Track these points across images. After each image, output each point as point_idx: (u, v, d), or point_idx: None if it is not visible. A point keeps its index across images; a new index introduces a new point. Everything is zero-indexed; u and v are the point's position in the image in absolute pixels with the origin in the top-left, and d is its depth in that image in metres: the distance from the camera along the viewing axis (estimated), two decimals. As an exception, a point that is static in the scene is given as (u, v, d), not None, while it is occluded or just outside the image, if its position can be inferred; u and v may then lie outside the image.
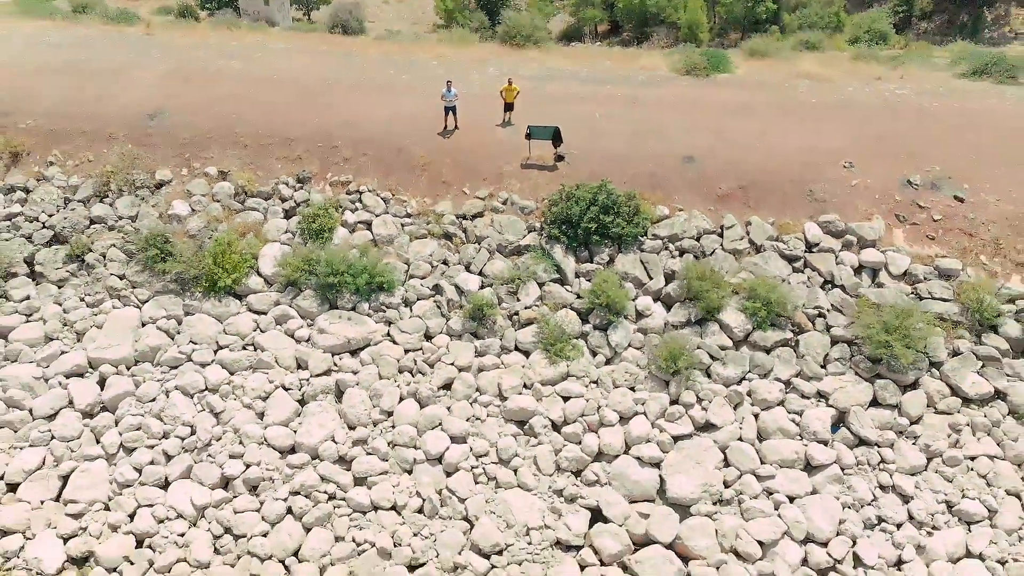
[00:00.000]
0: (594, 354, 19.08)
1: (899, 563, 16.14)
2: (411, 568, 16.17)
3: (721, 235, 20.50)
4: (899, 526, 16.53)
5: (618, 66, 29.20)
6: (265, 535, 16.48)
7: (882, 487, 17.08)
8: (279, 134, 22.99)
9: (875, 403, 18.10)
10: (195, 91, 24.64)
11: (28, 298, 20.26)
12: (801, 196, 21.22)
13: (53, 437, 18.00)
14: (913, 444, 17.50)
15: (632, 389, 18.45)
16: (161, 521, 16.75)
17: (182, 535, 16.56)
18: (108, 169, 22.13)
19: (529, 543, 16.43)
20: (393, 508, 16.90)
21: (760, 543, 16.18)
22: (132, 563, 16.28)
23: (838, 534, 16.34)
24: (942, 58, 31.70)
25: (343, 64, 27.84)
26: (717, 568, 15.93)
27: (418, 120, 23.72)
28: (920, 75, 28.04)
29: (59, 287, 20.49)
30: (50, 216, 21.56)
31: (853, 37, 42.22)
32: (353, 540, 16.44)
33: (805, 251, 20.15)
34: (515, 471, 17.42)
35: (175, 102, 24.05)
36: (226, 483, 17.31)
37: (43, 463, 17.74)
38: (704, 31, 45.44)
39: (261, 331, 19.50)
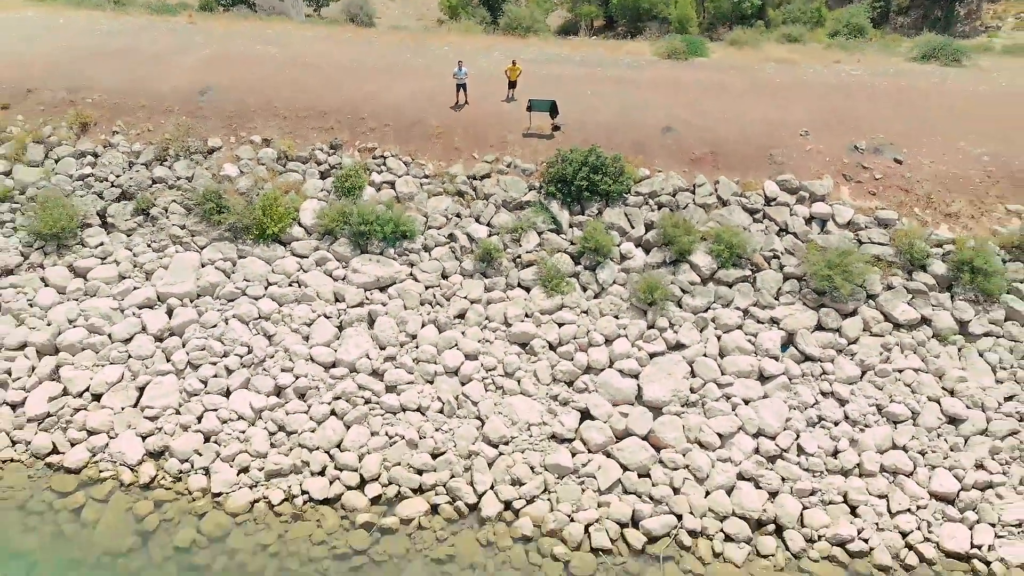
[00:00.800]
0: (584, 289, 22.44)
1: (835, 453, 19.50)
2: (434, 455, 19.53)
3: (693, 192, 23.82)
4: (836, 423, 19.87)
5: (608, 52, 32.56)
6: (313, 431, 19.83)
7: (823, 393, 20.44)
8: (313, 108, 26.32)
9: (819, 327, 21.47)
10: (237, 72, 27.97)
11: (102, 244, 23.59)
12: (763, 159, 24.55)
13: (130, 356, 21.34)
14: (850, 360, 20.85)
15: (616, 317, 21.80)
16: (225, 422, 20.08)
17: (243, 432, 19.91)
18: (166, 137, 25.46)
19: (530, 436, 19.78)
20: (418, 410, 20.27)
21: (719, 435, 19.53)
22: (201, 455, 19.63)
23: (784, 429, 19.71)
24: (908, 48, 35.07)
25: (364, 49, 31.16)
26: (683, 455, 19.28)
27: (433, 96, 27.04)
28: (875, 59, 31.41)
29: (128, 235, 23.82)
30: (117, 176, 24.88)
31: (833, 31, 45.32)
32: (386, 434, 19.79)
33: (764, 205, 23.47)
34: (518, 381, 20.77)
35: (221, 81, 27.37)
36: (279, 391, 20.64)
37: (122, 377, 21.06)
38: (694, 26, 48.59)
39: (304, 271, 22.85)
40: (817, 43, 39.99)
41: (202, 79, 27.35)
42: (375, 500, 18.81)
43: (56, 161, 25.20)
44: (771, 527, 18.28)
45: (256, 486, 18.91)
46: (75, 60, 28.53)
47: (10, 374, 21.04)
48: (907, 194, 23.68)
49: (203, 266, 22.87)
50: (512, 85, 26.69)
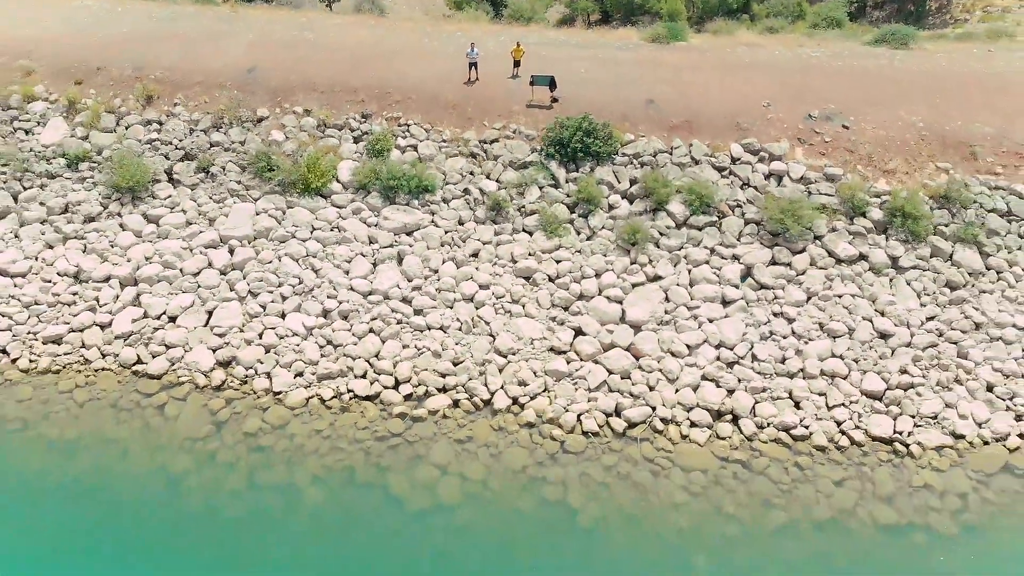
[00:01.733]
0: (578, 233, 26.38)
1: (783, 360, 23.46)
2: (454, 363, 23.48)
3: (671, 153, 27.75)
4: (784, 337, 23.83)
5: (600, 37, 36.51)
6: (355, 344, 23.76)
7: (774, 314, 24.41)
8: (346, 84, 30.24)
9: (773, 262, 25.44)
10: (279, 54, 31.89)
11: (170, 196, 27.52)
12: (730, 126, 28.47)
13: (199, 287, 25.28)
14: (798, 287, 24.83)
15: (604, 255, 25.75)
16: (282, 337, 24.00)
17: (298, 345, 23.84)
18: (220, 108, 29.37)
19: (533, 348, 23.73)
20: (441, 328, 24.20)
21: (687, 346, 23.53)
22: (263, 363, 23.56)
23: (741, 341, 23.68)
24: (865, 35, 38.92)
25: (387, 35, 35.04)
26: (658, 361, 23.25)
27: (449, 74, 30.95)
28: (835, 44, 35.35)
29: (192, 189, 27.77)
30: (180, 141, 28.79)
31: (812, 24, 49.00)
32: (415, 347, 23.72)
33: (730, 163, 27.42)
34: (523, 306, 24.73)
35: (265, 61, 31.29)
36: (325, 314, 24.56)
37: (193, 303, 24.98)
38: (683, 19, 52.35)
39: (342, 219, 26.77)
40: (796, 34, 43.98)
41: (249, 59, 31.30)
42: (407, 397, 22.78)
43: (126, 128, 29.17)
44: (728, 416, 22.25)
45: (310, 386, 22.86)
46: (137, 43, 32.44)
47: (98, 301, 24.99)
48: (852, 154, 27.61)
49: (257, 214, 26.83)
50: (516, 64, 30.63)
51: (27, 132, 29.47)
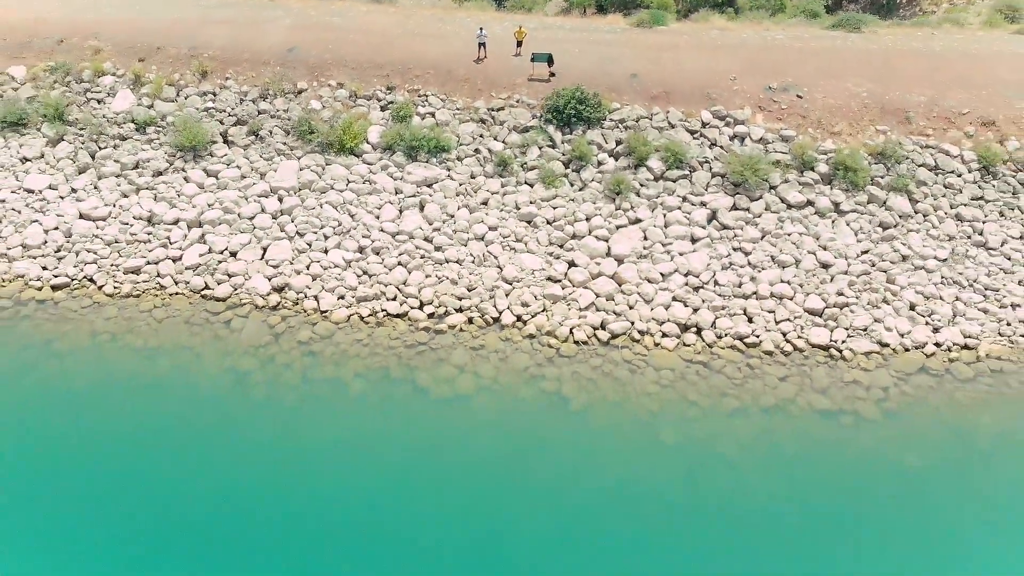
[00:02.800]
0: (571, 185, 30.81)
1: (740, 284, 27.93)
2: (468, 289, 27.92)
3: (651, 119, 32.14)
4: (742, 267, 28.28)
5: (592, 23, 40.88)
6: (387, 274, 28.18)
7: (734, 249, 28.86)
8: (373, 61, 34.60)
9: (734, 208, 29.88)
10: (315, 36, 36.26)
11: (226, 155, 31.94)
12: (702, 96, 32.85)
13: (255, 228, 29.71)
14: (755, 227, 29.26)
15: (593, 203, 30.20)
16: (326, 268, 28.44)
17: (339, 275, 28.26)
18: (266, 81, 33.75)
19: (533, 277, 28.15)
20: (457, 262, 28.63)
21: (661, 275, 27.98)
22: (310, 288, 27.98)
23: (706, 270, 28.14)
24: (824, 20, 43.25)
25: (407, 21, 39.31)
26: (636, 286, 27.71)
27: (461, 53, 35.31)
28: (796, 28, 39.73)
29: (244, 149, 32.18)
30: (232, 109, 33.18)
31: (792, 16, 53.10)
32: (436, 276, 28.14)
33: (700, 127, 31.82)
34: (525, 244, 29.16)
35: (303, 42, 35.65)
36: (361, 250, 28.99)
37: (250, 241, 29.41)
38: (672, 12, 56.51)
39: (372, 173, 31.20)
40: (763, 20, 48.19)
41: (289, 40, 35.66)
42: (430, 315, 27.21)
43: (185, 98, 33.58)
44: (693, 329, 26.67)
45: (351, 306, 27.30)
46: (190, 26, 36.79)
47: (169, 239, 29.37)
48: (804, 119, 32.01)
49: (301, 170, 31.24)
50: (519, 44, 34.99)
51: (99, 102, 33.92)
